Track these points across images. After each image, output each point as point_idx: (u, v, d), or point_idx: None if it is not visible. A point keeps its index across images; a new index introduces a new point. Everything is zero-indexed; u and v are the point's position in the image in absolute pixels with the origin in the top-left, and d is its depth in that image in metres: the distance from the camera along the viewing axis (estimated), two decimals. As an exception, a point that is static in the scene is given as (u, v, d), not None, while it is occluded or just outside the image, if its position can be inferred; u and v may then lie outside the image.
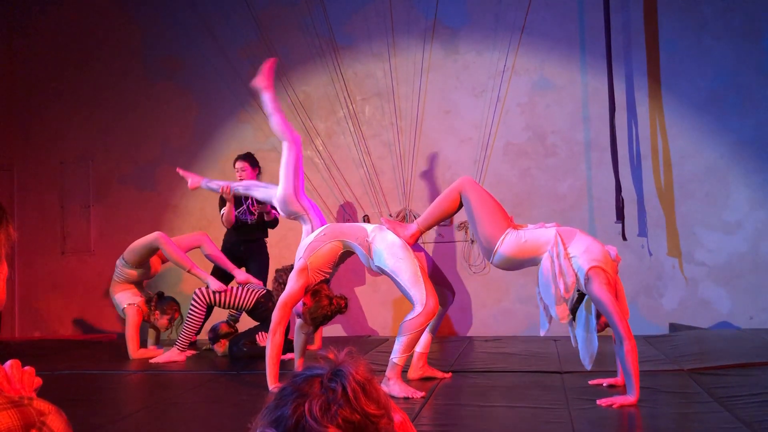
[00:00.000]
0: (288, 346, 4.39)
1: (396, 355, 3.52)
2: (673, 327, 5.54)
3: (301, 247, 3.82)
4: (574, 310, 3.41)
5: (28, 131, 6.94)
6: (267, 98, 4.63)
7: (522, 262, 3.52)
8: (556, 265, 3.32)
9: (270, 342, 3.62)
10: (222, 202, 5.44)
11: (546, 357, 4.47)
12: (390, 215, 6.07)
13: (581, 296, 3.39)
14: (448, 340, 5.48)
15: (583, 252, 3.30)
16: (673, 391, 3.41)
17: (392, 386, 3.47)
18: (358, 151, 6.20)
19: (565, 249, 3.33)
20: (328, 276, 3.83)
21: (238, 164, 5.37)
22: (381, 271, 3.70)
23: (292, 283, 3.67)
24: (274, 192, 4.76)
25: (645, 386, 3.26)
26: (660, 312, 5.65)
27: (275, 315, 3.64)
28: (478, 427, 2.95)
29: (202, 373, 4.44)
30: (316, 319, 3.79)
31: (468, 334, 5.82)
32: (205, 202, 6.48)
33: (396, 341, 3.54)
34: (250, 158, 5.41)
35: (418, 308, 3.50)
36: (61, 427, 0.97)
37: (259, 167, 5.43)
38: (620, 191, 5.54)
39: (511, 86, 5.97)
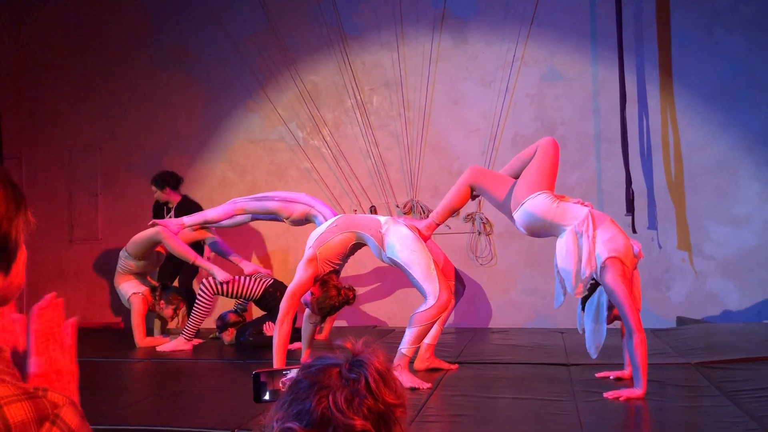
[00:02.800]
0: (295, 336, 4.40)
1: (405, 346, 3.51)
2: (681, 320, 5.52)
3: (311, 237, 3.82)
4: (591, 290, 3.39)
5: (37, 119, 6.96)
6: None
7: (543, 226, 3.43)
8: (583, 244, 3.28)
9: (277, 331, 3.62)
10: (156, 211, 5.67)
11: (553, 349, 4.47)
12: (397, 206, 6.06)
13: (595, 284, 3.37)
14: (454, 331, 5.47)
15: (607, 240, 3.27)
16: (680, 385, 3.40)
17: (398, 376, 3.46)
18: (365, 141, 6.18)
19: (594, 231, 3.30)
20: (337, 267, 3.83)
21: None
22: (393, 263, 3.69)
23: (301, 272, 3.67)
24: (271, 205, 4.81)
25: (652, 379, 3.25)
26: (668, 305, 5.62)
27: (283, 305, 3.64)
28: (484, 418, 2.95)
29: (208, 361, 4.46)
30: (323, 309, 3.79)
31: (475, 326, 5.82)
32: (212, 192, 6.48)
33: (406, 332, 3.53)
34: (154, 182, 5.57)
35: (431, 301, 3.49)
36: (75, 420, 0.95)
37: (170, 185, 5.52)
38: (630, 184, 5.51)
39: (520, 77, 5.93)
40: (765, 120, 5.59)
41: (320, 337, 4.96)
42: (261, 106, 6.42)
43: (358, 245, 3.83)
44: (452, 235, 5.95)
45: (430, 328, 3.60)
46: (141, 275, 5.24)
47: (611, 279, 3.19)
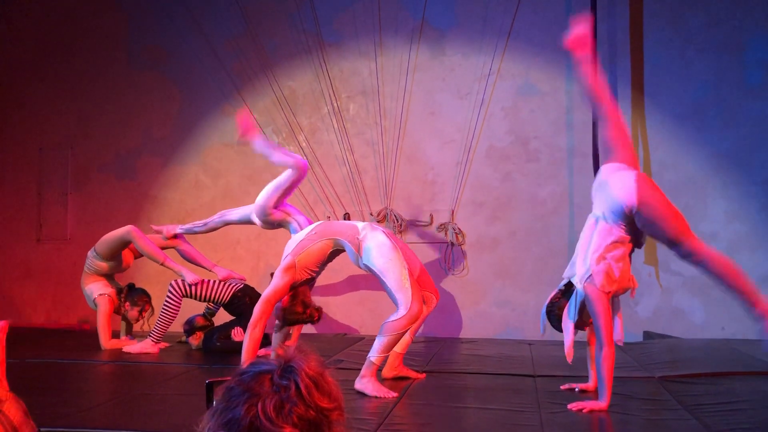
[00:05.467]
0: (265, 341, 4.38)
1: (374, 354, 3.51)
2: (647, 335, 5.60)
3: (290, 244, 3.81)
4: (566, 294, 3.40)
5: (8, 116, 6.85)
6: (258, 144, 4.64)
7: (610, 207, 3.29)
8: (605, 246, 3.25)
9: (249, 336, 3.62)
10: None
11: (520, 360, 4.50)
12: (371, 214, 6.07)
13: (569, 288, 3.39)
14: (424, 340, 5.48)
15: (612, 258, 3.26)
16: (643, 398, 3.44)
17: (366, 384, 3.47)
18: (341, 148, 6.18)
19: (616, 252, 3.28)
20: (314, 275, 3.84)
21: None
22: (368, 270, 3.70)
23: (278, 279, 3.68)
24: (249, 210, 4.81)
25: (616, 392, 3.29)
26: (635, 319, 5.69)
27: (257, 310, 3.64)
28: (449, 427, 2.96)
29: (174, 365, 4.42)
30: (286, 320, 3.86)
31: (443, 336, 5.83)
32: (185, 194, 6.44)
33: (376, 340, 3.53)
34: None
35: (402, 311, 3.50)
36: (17, 415, 0.94)
37: None
38: (600, 198, 5.58)
39: (495, 90, 5.98)
40: (733, 141, 5.70)
41: (289, 343, 4.93)
42: (237, 110, 6.38)
43: (337, 252, 3.84)
44: (425, 245, 5.98)
45: (400, 338, 3.60)
46: (108, 276, 5.18)
47: (594, 290, 3.21)
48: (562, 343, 4.76)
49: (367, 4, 6.15)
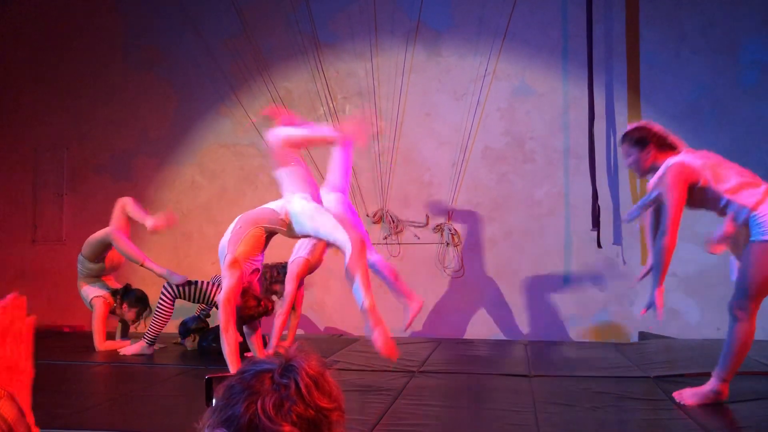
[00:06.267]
0: (244, 345, 4.37)
1: (362, 299, 3.48)
2: (643, 335, 5.60)
3: (222, 245, 3.80)
4: None
5: (3, 116, 6.83)
6: None
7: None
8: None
9: (225, 341, 3.63)
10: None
11: (515, 361, 4.50)
12: (367, 215, 6.07)
13: None
14: (420, 341, 5.48)
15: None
16: (638, 398, 3.45)
17: (378, 336, 3.45)
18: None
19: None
20: (259, 264, 3.85)
21: None
22: (306, 235, 3.83)
23: (228, 278, 3.69)
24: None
25: (611, 392, 3.31)
26: (631, 319, 5.70)
27: (222, 314, 3.65)
28: (444, 428, 2.96)
29: (170, 366, 4.41)
30: (242, 318, 3.85)
31: (441, 336, 5.83)
32: (181, 195, 6.43)
33: (353, 288, 3.51)
34: None
35: (349, 247, 3.54)
36: (12, 413, 0.94)
37: None
38: (597, 199, 5.59)
39: (491, 91, 5.99)
40: (728, 141, 5.71)
41: (285, 344, 4.92)
42: (233, 110, 6.38)
43: (272, 235, 3.88)
44: (421, 246, 5.98)
45: (367, 271, 3.58)
46: (99, 278, 5.18)
47: (676, 169, 3.37)
48: (559, 344, 4.82)
49: (364, 5, 6.15)
